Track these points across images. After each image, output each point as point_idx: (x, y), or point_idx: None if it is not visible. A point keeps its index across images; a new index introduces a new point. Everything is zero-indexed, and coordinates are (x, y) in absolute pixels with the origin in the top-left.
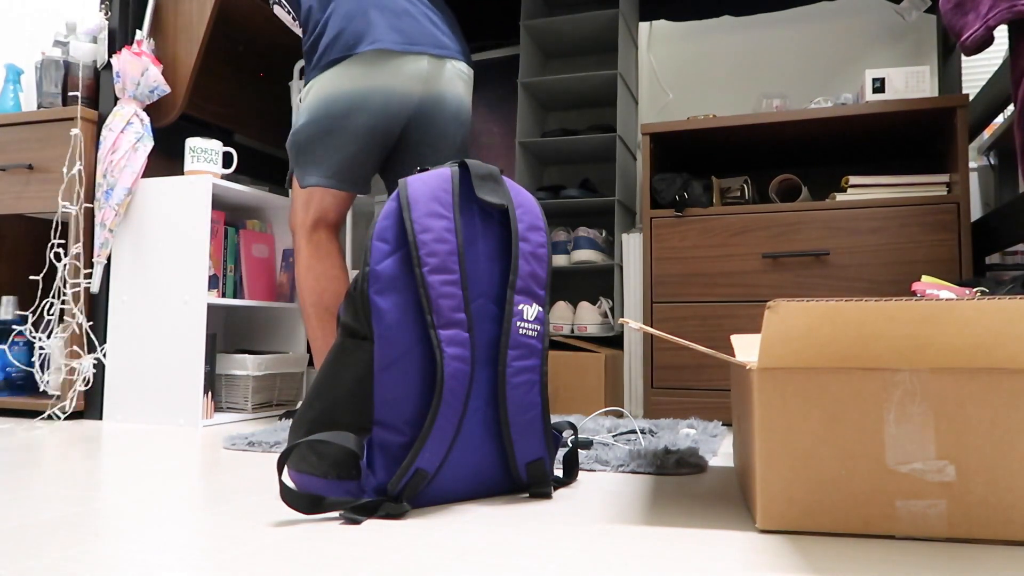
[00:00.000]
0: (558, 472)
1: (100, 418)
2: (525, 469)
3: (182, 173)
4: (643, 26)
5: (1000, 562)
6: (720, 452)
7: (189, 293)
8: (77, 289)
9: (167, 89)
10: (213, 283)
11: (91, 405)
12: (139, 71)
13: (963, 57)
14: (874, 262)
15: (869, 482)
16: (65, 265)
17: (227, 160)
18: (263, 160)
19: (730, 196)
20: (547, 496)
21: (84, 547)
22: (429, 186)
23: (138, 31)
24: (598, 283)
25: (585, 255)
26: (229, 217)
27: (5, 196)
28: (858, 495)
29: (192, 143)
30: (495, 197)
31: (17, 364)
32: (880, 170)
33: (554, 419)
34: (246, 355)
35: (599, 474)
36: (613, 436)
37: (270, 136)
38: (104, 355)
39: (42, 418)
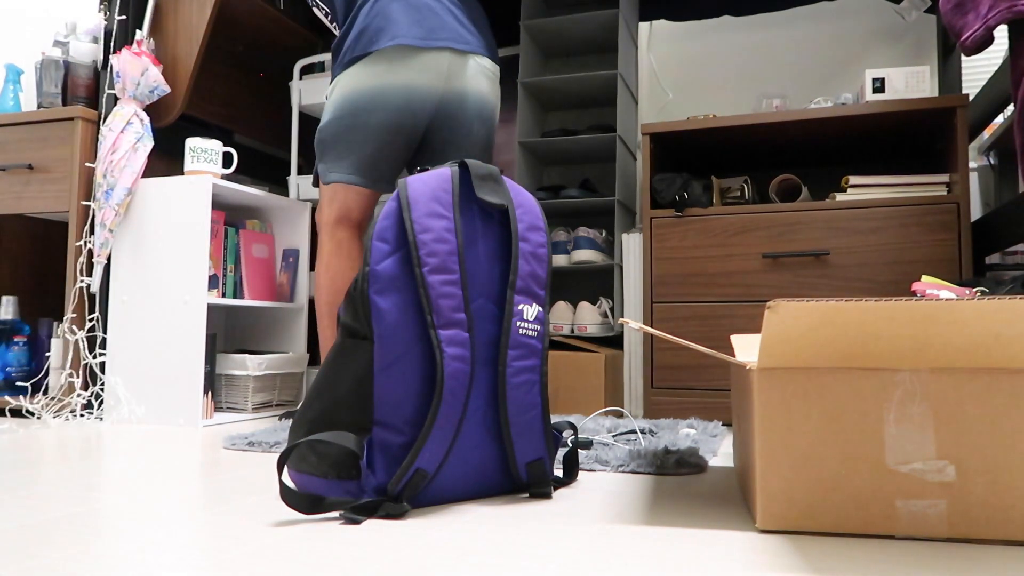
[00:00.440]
0: (558, 472)
1: (100, 418)
2: (525, 469)
3: (182, 173)
4: (643, 26)
5: (1000, 562)
6: (720, 452)
7: (189, 293)
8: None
9: (167, 89)
10: (213, 283)
11: (91, 405)
12: (139, 71)
13: (963, 57)
14: (874, 262)
15: (869, 482)
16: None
17: (227, 160)
18: (263, 160)
19: (730, 196)
20: (547, 496)
21: (84, 547)
22: (429, 186)
23: (138, 31)
24: (598, 283)
25: (585, 255)
26: (229, 217)
27: (5, 196)
28: (858, 495)
29: (192, 143)
30: (495, 197)
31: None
32: (880, 170)
33: (554, 419)
34: (246, 355)
35: (599, 474)
36: (613, 436)
37: (270, 136)
38: (104, 355)
39: (42, 418)
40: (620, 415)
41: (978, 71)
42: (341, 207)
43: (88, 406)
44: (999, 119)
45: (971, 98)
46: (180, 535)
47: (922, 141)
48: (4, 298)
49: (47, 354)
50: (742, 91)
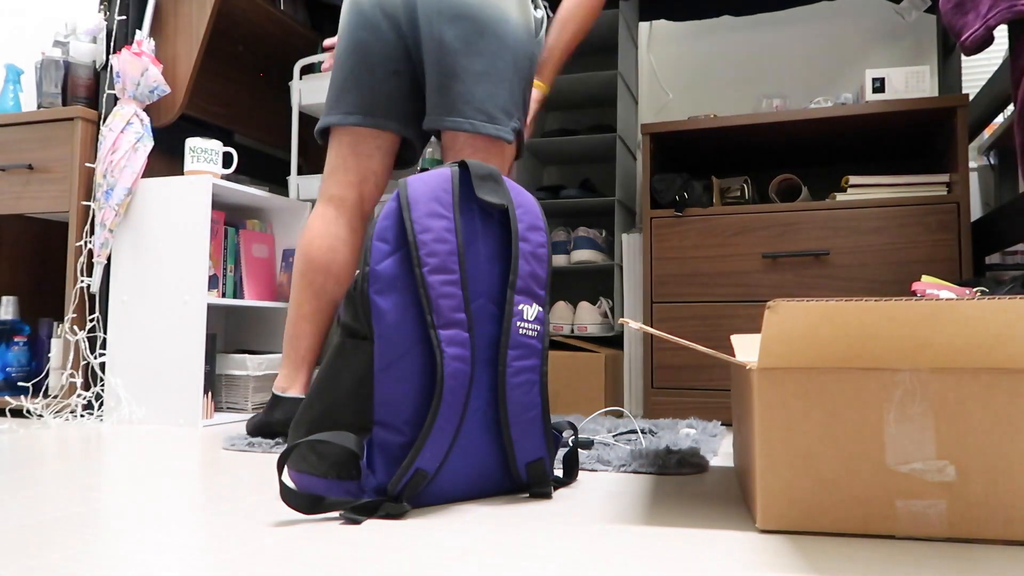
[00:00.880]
0: (558, 472)
1: (100, 418)
2: (525, 469)
3: (182, 173)
4: (643, 26)
5: (1000, 562)
6: (720, 452)
7: (189, 293)
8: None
9: (167, 89)
10: (213, 283)
11: (91, 405)
12: (139, 71)
13: (963, 57)
14: (874, 262)
15: (869, 482)
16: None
17: (227, 160)
18: (263, 160)
19: (730, 196)
20: (547, 496)
21: (84, 547)
22: (429, 186)
23: (138, 31)
24: (598, 283)
25: (585, 255)
26: (229, 217)
27: (5, 196)
28: (858, 495)
29: (192, 143)
30: (495, 197)
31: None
32: (880, 170)
33: (554, 419)
34: (246, 355)
35: (599, 474)
36: (613, 436)
37: (270, 136)
38: (104, 355)
39: (42, 418)
40: (620, 415)
41: (978, 71)
42: (331, 164)
43: (88, 406)
44: (999, 119)
45: (971, 98)
46: (180, 535)
47: (922, 141)
48: (4, 298)
49: (48, 354)
50: (742, 91)
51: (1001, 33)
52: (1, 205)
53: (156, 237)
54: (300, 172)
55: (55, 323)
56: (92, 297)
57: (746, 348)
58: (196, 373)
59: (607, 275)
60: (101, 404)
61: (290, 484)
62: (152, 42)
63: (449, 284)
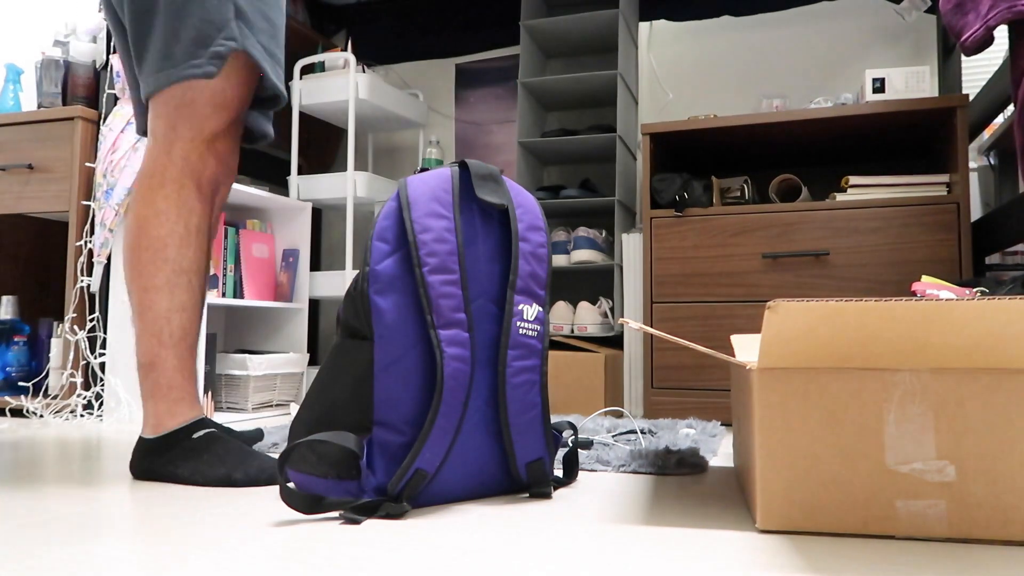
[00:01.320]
0: (558, 472)
1: (100, 418)
2: (525, 469)
3: None
4: (643, 26)
5: (1000, 562)
6: (720, 452)
7: None
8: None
9: None
10: (213, 283)
11: (91, 405)
12: None
13: (963, 57)
14: (874, 262)
15: (869, 482)
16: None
17: None
18: (263, 160)
19: (730, 196)
20: (547, 496)
21: (84, 547)
22: (429, 186)
23: None
24: (598, 283)
25: (585, 255)
26: (229, 217)
27: (5, 196)
28: (858, 495)
29: None
30: (495, 197)
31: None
32: (880, 170)
33: (554, 419)
34: (246, 355)
35: (599, 474)
36: (613, 436)
37: None
38: (104, 355)
39: (42, 418)
40: (620, 415)
41: (978, 71)
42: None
43: (88, 406)
44: (999, 119)
45: (971, 98)
46: (180, 535)
47: (922, 141)
48: (4, 298)
49: (48, 354)
50: (742, 91)
51: (1001, 33)
52: (1, 205)
53: None
54: (300, 172)
55: (55, 323)
56: (92, 297)
57: (746, 348)
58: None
59: (607, 275)
60: (101, 404)
61: (290, 484)
62: None
63: (449, 284)
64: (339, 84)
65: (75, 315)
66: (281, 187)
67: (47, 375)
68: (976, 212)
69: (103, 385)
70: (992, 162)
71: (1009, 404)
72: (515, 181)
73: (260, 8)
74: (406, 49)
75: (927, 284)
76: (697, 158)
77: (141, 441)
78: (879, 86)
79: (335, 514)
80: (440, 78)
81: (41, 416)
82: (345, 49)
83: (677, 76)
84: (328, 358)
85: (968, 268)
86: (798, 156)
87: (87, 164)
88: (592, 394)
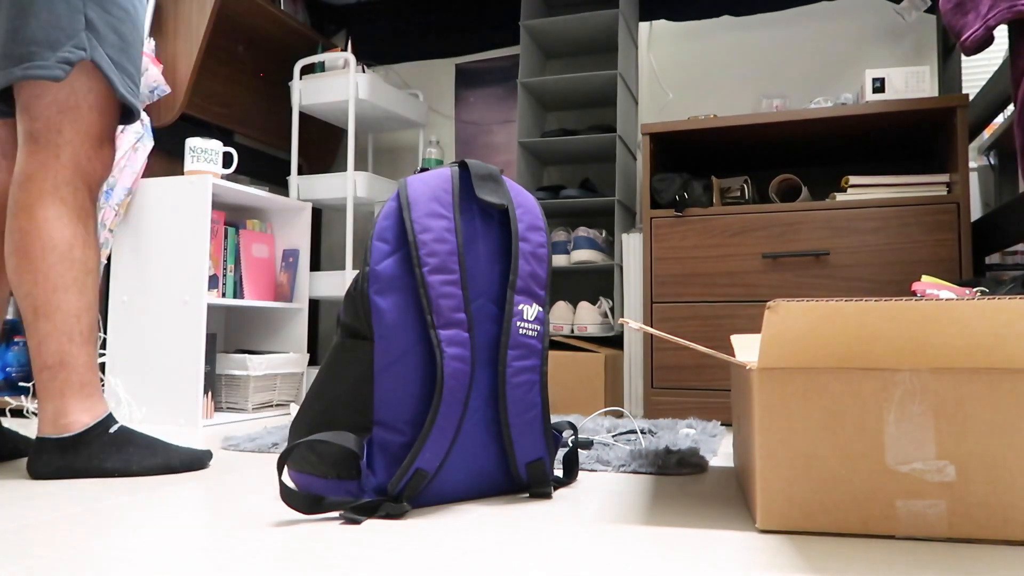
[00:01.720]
0: (558, 472)
1: None
2: (525, 469)
3: (182, 173)
4: (643, 26)
5: (1000, 562)
6: (720, 452)
7: (189, 293)
8: None
9: (167, 89)
10: (213, 283)
11: None
12: None
13: (963, 57)
14: (874, 262)
15: (869, 482)
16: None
17: (227, 160)
18: (263, 160)
19: (730, 196)
20: (547, 496)
21: (84, 547)
22: (429, 186)
23: None
24: (598, 283)
25: (585, 255)
26: (229, 217)
27: None
28: (858, 495)
29: (192, 143)
30: (495, 197)
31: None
32: (880, 170)
33: (554, 419)
34: (246, 355)
35: (599, 474)
36: (613, 436)
37: (270, 136)
38: (104, 355)
39: None
40: (620, 415)
41: (978, 71)
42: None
43: None
44: (999, 119)
45: (971, 98)
46: (180, 535)
47: (922, 141)
48: None
49: None
50: (742, 91)
51: (1001, 33)
52: None
53: (156, 237)
54: (300, 172)
55: None
56: None
57: (746, 348)
58: (196, 373)
59: (607, 275)
60: None
61: (290, 484)
62: (152, 42)
63: (449, 284)
64: (339, 84)
65: None
66: (281, 187)
67: None
68: (976, 212)
69: (103, 385)
70: (992, 162)
71: (1009, 404)
72: (515, 181)
73: (111, 23)
74: (406, 49)
75: (927, 284)
76: (697, 158)
77: (46, 441)
78: (879, 86)
79: (335, 514)
80: (440, 78)
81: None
82: (345, 49)
83: (677, 76)
84: (328, 358)
85: (968, 268)
86: (798, 156)
87: None
88: (592, 394)
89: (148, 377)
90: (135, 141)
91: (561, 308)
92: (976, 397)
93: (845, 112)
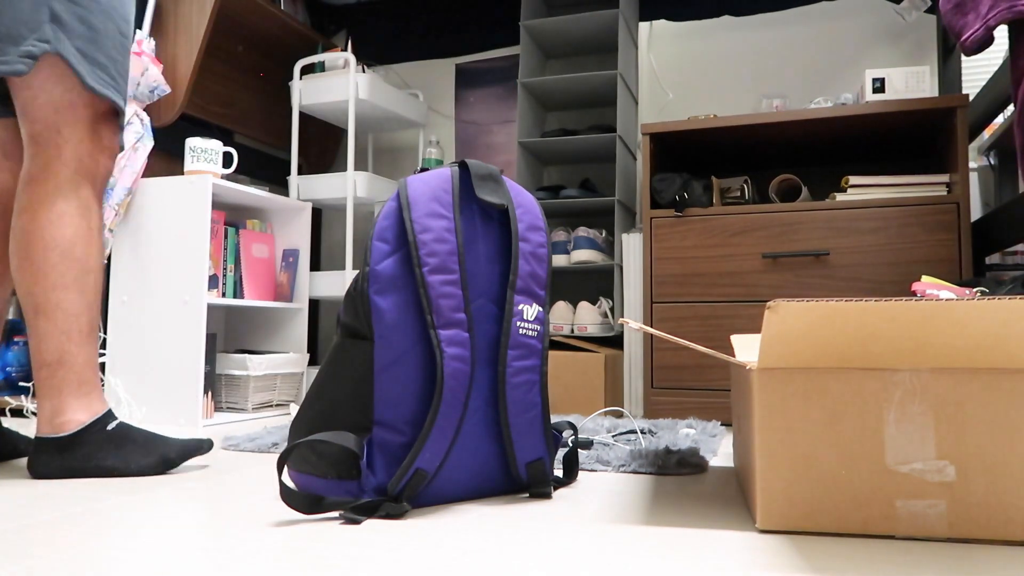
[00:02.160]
0: (558, 472)
1: None
2: (525, 469)
3: (182, 173)
4: (643, 26)
5: (1000, 562)
6: (720, 452)
7: (189, 293)
8: None
9: (167, 89)
10: (213, 283)
11: None
12: (139, 71)
13: (963, 57)
14: (874, 262)
15: (869, 482)
16: None
17: (227, 160)
18: (263, 160)
19: (730, 196)
20: (547, 496)
21: (84, 547)
22: (429, 186)
23: (138, 31)
24: (598, 283)
25: (585, 255)
26: (229, 217)
27: None
28: (858, 495)
29: (192, 143)
30: (495, 197)
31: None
32: (880, 170)
33: (554, 419)
34: (246, 355)
35: (599, 474)
36: (613, 436)
37: (270, 136)
38: (104, 355)
39: None
40: (620, 415)
41: (978, 71)
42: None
43: None
44: (999, 119)
45: (971, 98)
46: (180, 535)
47: (922, 141)
48: None
49: None
50: (742, 91)
51: (1001, 33)
52: None
53: (156, 237)
54: (300, 172)
55: None
56: None
57: (746, 348)
58: (196, 373)
59: (607, 275)
60: None
61: (290, 484)
62: (152, 42)
63: (449, 284)
64: (339, 84)
65: None
66: (281, 187)
67: None
68: (976, 212)
69: (103, 385)
70: (992, 162)
71: (1009, 404)
72: (515, 181)
73: (79, 13)
74: (406, 49)
75: (927, 284)
76: (697, 158)
77: (45, 440)
78: (879, 86)
79: (335, 514)
80: (440, 78)
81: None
82: (345, 49)
83: (677, 76)
84: (328, 358)
85: (968, 268)
86: (798, 156)
87: None
88: (592, 394)
89: (148, 377)
90: (135, 141)
91: (561, 308)
92: (976, 397)
93: (845, 112)
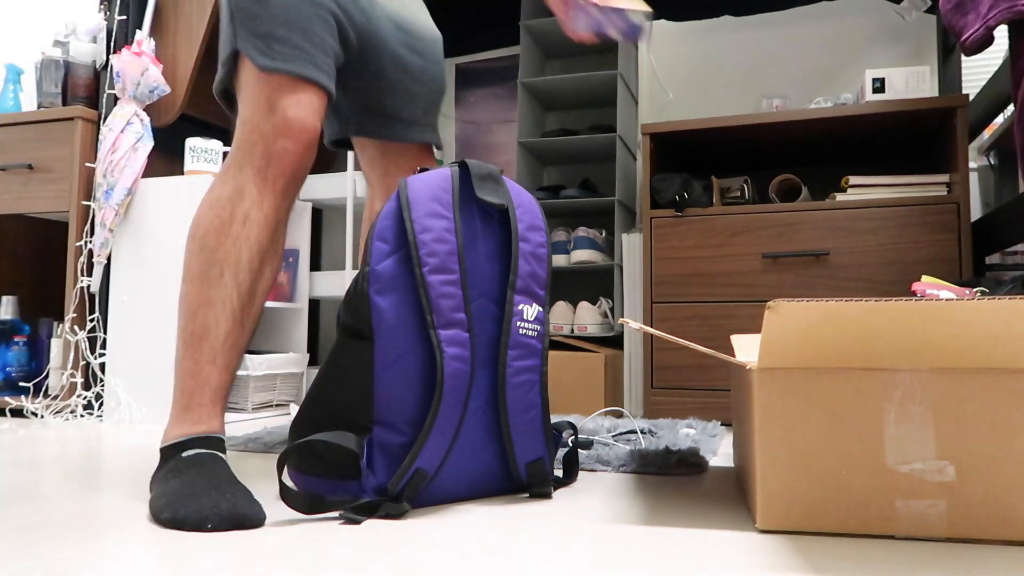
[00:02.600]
0: (558, 472)
1: (100, 418)
2: (525, 469)
3: (182, 173)
4: None
5: (1000, 562)
6: (720, 452)
7: None
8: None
9: (167, 89)
10: None
11: (91, 405)
12: (139, 71)
13: (963, 57)
14: (874, 262)
15: (869, 482)
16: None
17: None
18: None
19: (730, 196)
20: (547, 496)
21: (84, 547)
22: (429, 186)
23: (138, 31)
24: (598, 283)
25: (585, 255)
26: None
27: (5, 196)
28: (858, 495)
29: (192, 143)
30: (495, 197)
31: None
32: (880, 170)
33: (554, 419)
34: (246, 355)
35: (599, 474)
36: (613, 436)
37: None
38: (104, 355)
39: (42, 418)
40: (620, 415)
41: (978, 71)
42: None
43: (88, 406)
44: (999, 119)
45: (971, 98)
46: (179, 535)
47: (922, 141)
48: (4, 298)
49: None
50: (742, 91)
51: (1001, 33)
52: (1, 205)
53: (156, 237)
54: None
55: (55, 323)
56: (92, 297)
57: (746, 348)
58: None
59: (607, 275)
60: (101, 404)
61: (289, 484)
62: (152, 42)
63: (449, 284)
64: None
65: (75, 315)
66: None
67: (47, 375)
68: (976, 212)
69: (103, 385)
70: (992, 162)
71: (1009, 404)
72: (515, 181)
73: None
74: None
75: (927, 284)
76: (697, 158)
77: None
78: (879, 86)
79: (335, 514)
80: None
81: (41, 417)
82: None
83: (677, 76)
84: (328, 358)
85: (968, 268)
86: (798, 156)
87: (87, 164)
88: (592, 394)
89: (148, 377)
90: (135, 141)
91: (561, 308)
92: (976, 397)
93: (845, 112)
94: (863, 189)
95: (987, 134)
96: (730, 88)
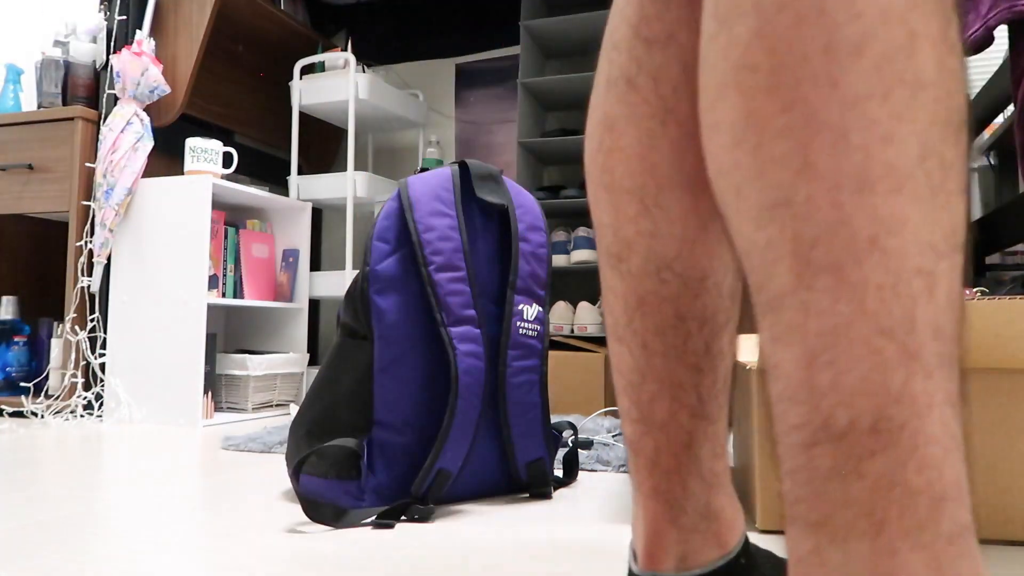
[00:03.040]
0: (558, 472)
1: (100, 418)
2: (525, 469)
3: (182, 173)
4: None
5: (1000, 562)
6: None
7: (189, 293)
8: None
9: (167, 89)
10: (213, 283)
11: (91, 405)
12: (139, 71)
13: None
14: None
15: None
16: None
17: (227, 160)
18: (263, 160)
19: None
20: (547, 496)
21: (84, 547)
22: (430, 185)
23: (138, 31)
24: (598, 283)
25: (585, 255)
26: (229, 217)
27: (5, 196)
28: None
29: (192, 143)
30: (495, 197)
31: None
32: None
33: (554, 419)
34: (246, 355)
35: (599, 474)
36: (613, 436)
37: (270, 136)
38: (104, 355)
39: (42, 418)
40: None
41: (978, 71)
42: None
43: (88, 406)
44: (999, 119)
45: (971, 98)
46: (180, 535)
47: None
48: (4, 298)
49: (48, 354)
50: None
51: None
52: (1, 205)
53: (156, 237)
54: (300, 172)
55: (55, 323)
56: (92, 297)
57: (746, 348)
58: (196, 373)
59: None
60: (101, 404)
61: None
62: (152, 42)
63: (457, 281)
64: (339, 84)
65: (75, 315)
66: (281, 187)
67: (47, 375)
68: (976, 212)
69: (103, 385)
70: (992, 162)
71: (1009, 404)
72: (515, 181)
73: None
74: (406, 49)
75: None
76: None
77: None
78: None
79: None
80: (440, 78)
81: (41, 417)
82: (345, 49)
83: None
84: (328, 358)
85: (968, 268)
86: None
87: (87, 164)
88: (592, 394)
89: (148, 377)
90: (135, 141)
91: (561, 308)
92: (976, 397)
93: None
94: None
95: (987, 134)
96: None
